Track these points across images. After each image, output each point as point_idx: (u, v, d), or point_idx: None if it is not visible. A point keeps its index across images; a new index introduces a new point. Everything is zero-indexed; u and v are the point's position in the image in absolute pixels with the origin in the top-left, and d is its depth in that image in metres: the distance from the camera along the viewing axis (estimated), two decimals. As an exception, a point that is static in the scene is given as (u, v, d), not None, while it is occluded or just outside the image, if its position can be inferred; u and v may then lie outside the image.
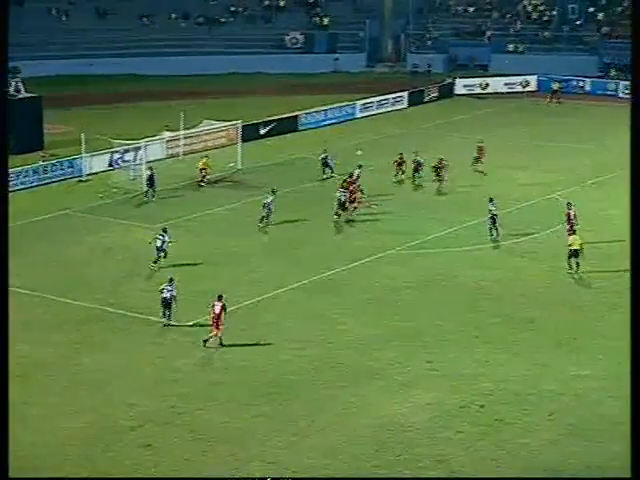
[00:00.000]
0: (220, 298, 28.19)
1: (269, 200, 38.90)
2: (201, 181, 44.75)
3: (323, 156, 45.45)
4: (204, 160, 45.20)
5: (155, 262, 34.05)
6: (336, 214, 39.40)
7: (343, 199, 39.44)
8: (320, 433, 23.67)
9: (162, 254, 34.18)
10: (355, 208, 39.95)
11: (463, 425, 24.00)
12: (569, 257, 33.68)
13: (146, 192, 42.54)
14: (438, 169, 44.00)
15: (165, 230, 34.75)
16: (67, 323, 29.77)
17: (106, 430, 23.74)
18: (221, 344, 28.19)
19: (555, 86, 64.86)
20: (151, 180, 42.41)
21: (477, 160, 47.43)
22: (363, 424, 24.08)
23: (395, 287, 32.95)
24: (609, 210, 41.07)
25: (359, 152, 45.28)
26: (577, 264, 33.69)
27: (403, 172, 45.10)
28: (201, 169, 44.86)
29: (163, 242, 34.13)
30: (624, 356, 27.74)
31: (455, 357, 27.72)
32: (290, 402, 25.17)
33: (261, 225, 38.77)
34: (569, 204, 36.65)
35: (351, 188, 40.13)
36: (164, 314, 29.36)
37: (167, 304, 29.27)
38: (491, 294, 32.37)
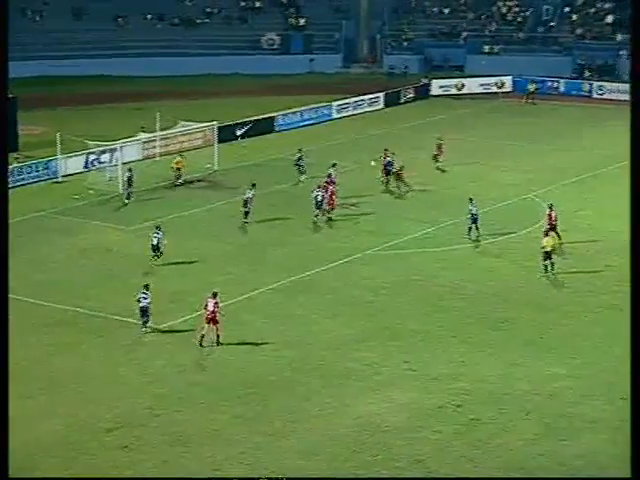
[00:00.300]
0: (215, 295, 28.21)
1: (250, 195, 39.02)
2: (176, 180, 44.69)
3: (298, 156, 45.44)
4: (178, 159, 45.19)
5: (154, 258, 34.30)
6: (315, 214, 39.51)
7: (320, 198, 39.52)
8: (297, 434, 23.70)
9: (159, 252, 34.36)
10: (332, 209, 39.97)
11: (440, 425, 24.11)
12: (544, 259, 33.87)
13: (126, 194, 42.36)
14: (399, 174, 43.79)
15: (159, 227, 34.96)
16: (41, 326, 29.64)
17: (82, 432, 23.67)
18: (218, 342, 28.16)
19: (531, 87, 65.23)
20: (130, 181, 42.30)
21: (436, 157, 47.85)
22: (340, 424, 24.13)
23: (372, 287, 33.03)
24: (584, 210, 41.39)
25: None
26: (552, 265, 33.90)
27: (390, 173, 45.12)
28: (176, 168, 44.83)
29: (159, 240, 34.35)
30: (597, 355, 28.19)
31: (432, 357, 27.83)
32: (267, 403, 25.18)
33: (247, 221, 38.95)
34: (551, 205, 36.86)
35: (330, 188, 40.17)
36: (143, 323, 29.01)
37: (145, 312, 28.96)
38: (467, 294, 32.52)
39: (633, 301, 17.92)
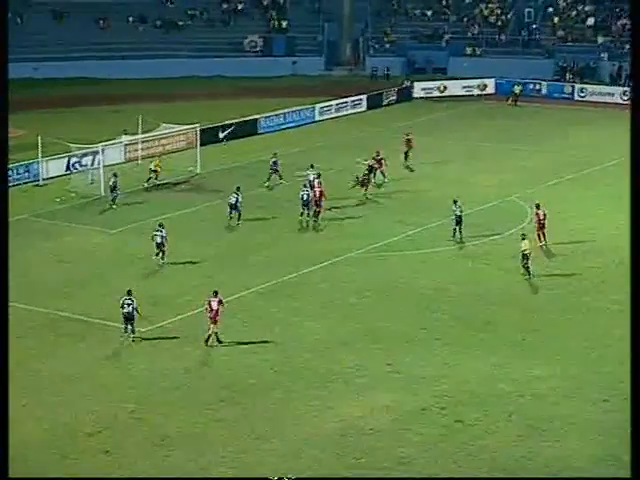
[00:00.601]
0: (216, 294, 28.45)
1: (233, 200, 39.10)
2: (152, 181, 44.43)
3: (273, 160, 45.36)
4: (157, 162, 45.00)
5: (160, 257, 34.56)
6: (301, 214, 39.48)
7: (306, 197, 39.50)
8: (281, 437, 23.65)
9: (163, 250, 34.53)
10: (318, 212, 39.83)
11: (424, 427, 24.11)
12: (522, 261, 33.87)
13: (112, 198, 42.04)
14: (364, 180, 43.52)
15: (161, 225, 35.08)
16: (22, 329, 29.45)
17: (64, 436, 23.55)
18: (218, 341, 28.30)
19: (517, 89, 65.42)
20: (115, 187, 42.04)
21: (406, 154, 48.34)
22: (324, 427, 24.10)
23: (356, 290, 33.01)
24: (567, 212, 41.51)
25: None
26: (527, 267, 33.81)
27: (383, 174, 45.19)
28: (153, 170, 44.66)
29: (162, 237, 34.52)
30: (580, 356, 28.28)
31: (415, 359, 27.83)
32: (250, 406, 25.12)
33: (239, 223, 39.19)
34: (538, 205, 36.97)
35: (317, 189, 40.11)
36: (126, 329, 28.58)
37: (129, 318, 28.50)
38: (450, 296, 32.54)
39: (633, 301, 17.98)
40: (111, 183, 42.14)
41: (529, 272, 33.88)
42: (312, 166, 42.96)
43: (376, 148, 46.41)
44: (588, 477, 22.06)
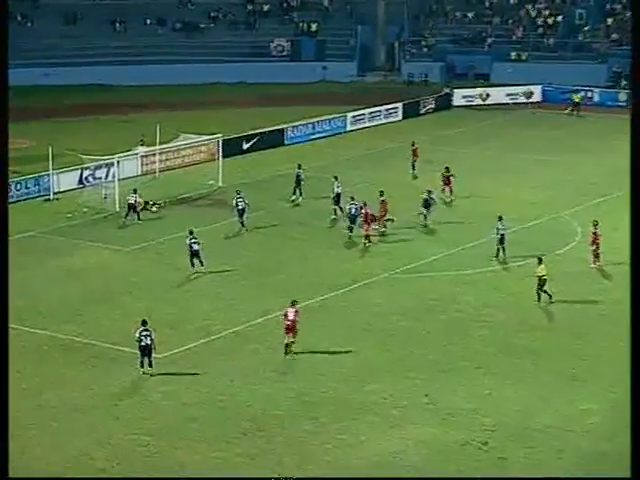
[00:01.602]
0: (294, 304, 29.44)
1: (243, 205, 40.92)
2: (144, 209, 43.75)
3: (297, 173, 45.59)
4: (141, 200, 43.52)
5: (193, 266, 35.90)
6: (348, 228, 39.99)
7: (353, 211, 39.71)
8: (307, 473, 23.62)
9: (199, 259, 35.79)
10: (377, 227, 40.03)
11: (464, 464, 24.02)
12: (538, 286, 33.54)
13: (126, 214, 42.21)
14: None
15: (192, 232, 36.23)
16: (29, 354, 29.70)
17: (74, 471, 23.64)
18: (293, 352, 29.23)
19: (576, 98, 65.28)
20: (134, 207, 42.12)
21: (413, 165, 49.28)
22: (354, 463, 24.06)
23: (388, 314, 33.01)
24: (618, 231, 41.25)
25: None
26: (546, 292, 33.60)
27: (451, 190, 45.43)
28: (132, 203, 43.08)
29: (198, 243, 35.88)
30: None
31: (453, 390, 27.76)
32: (274, 439, 25.13)
33: (243, 230, 40.85)
34: (596, 223, 36.87)
35: (382, 207, 40.28)
36: (142, 363, 28.23)
37: (146, 352, 28.17)
38: (490, 321, 32.47)
39: (633, 301, 18.03)
40: (133, 200, 42.14)
41: (546, 296, 33.46)
42: (336, 178, 43.19)
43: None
44: (588, 477, 22.05)
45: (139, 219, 42.23)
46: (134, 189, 42.91)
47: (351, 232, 40.09)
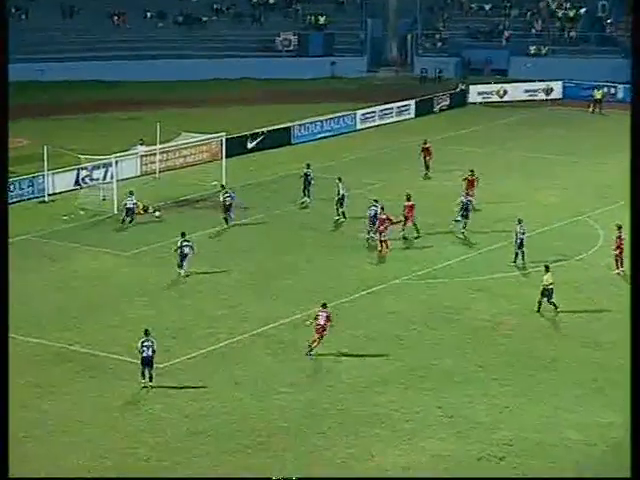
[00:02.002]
0: (325, 306, 30.21)
1: (230, 200, 41.77)
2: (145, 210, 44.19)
3: (305, 172, 45.60)
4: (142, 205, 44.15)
5: (182, 268, 36.37)
6: (368, 232, 39.99)
7: (374, 213, 39.69)
8: (315, 488, 23.76)
9: (184, 262, 36.26)
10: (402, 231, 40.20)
11: None
12: (542, 296, 33.41)
13: (129, 219, 42.35)
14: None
15: (184, 235, 36.64)
16: (25, 364, 29.80)
17: (70, 486, 23.79)
18: (308, 353, 30.09)
19: (597, 94, 65.12)
20: (132, 210, 42.29)
21: (427, 165, 49.31)
22: (365, 478, 24.13)
23: (401, 321, 33.09)
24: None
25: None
26: (552, 304, 33.50)
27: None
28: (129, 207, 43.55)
29: (191, 247, 36.34)
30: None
31: (469, 402, 27.83)
32: (282, 453, 25.22)
33: (227, 227, 41.58)
34: (620, 227, 36.65)
35: (408, 211, 40.26)
36: (143, 375, 28.34)
37: (149, 362, 28.30)
38: (507, 329, 32.52)
39: (633, 301, 18.24)
40: (129, 204, 42.41)
41: (540, 308, 33.40)
42: (340, 179, 43.23)
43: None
44: (588, 477, 22.19)
45: (131, 222, 42.32)
46: (130, 191, 43.07)
47: (369, 235, 40.06)
